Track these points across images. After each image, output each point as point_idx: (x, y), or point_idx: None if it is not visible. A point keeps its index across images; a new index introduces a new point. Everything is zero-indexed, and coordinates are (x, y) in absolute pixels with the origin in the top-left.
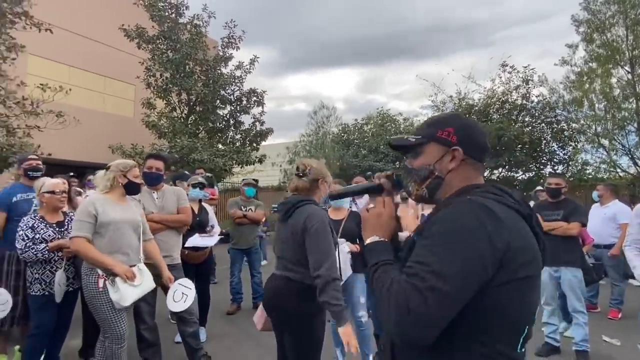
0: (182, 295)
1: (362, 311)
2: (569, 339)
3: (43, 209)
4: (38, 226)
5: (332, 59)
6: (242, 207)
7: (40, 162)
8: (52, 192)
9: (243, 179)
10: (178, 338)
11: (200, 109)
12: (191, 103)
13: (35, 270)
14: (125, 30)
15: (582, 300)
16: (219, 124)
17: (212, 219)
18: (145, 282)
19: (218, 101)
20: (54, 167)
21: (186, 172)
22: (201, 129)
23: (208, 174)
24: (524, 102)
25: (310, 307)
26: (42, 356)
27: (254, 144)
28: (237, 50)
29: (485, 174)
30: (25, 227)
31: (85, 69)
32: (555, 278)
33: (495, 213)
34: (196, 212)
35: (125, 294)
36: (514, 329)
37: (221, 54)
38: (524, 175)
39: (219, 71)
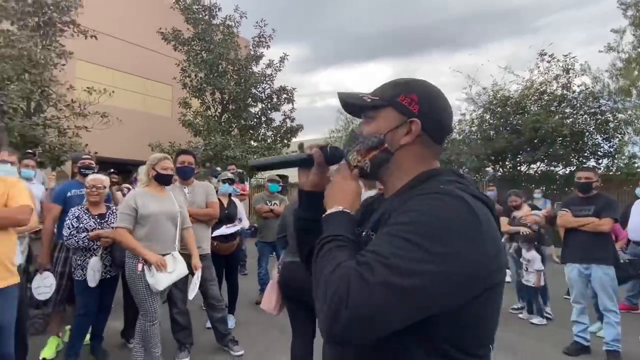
0: (195, 285)
1: None
2: (602, 339)
3: (88, 202)
4: (82, 217)
5: (365, 52)
6: (267, 202)
7: (92, 161)
8: (89, 187)
9: (268, 176)
10: (209, 324)
11: (233, 107)
12: (224, 102)
13: (78, 257)
14: (162, 34)
15: (614, 299)
16: (251, 121)
17: (241, 212)
18: (178, 269)
19: (250, 99)
20: (100, 165)
21: (218, 168)
22: (234, 126)
23: (239, 170)
24: (565, 92)
25: None
26: (88, 335)
27: (285, 141)
28: (267, 48)
29: (523, 168)
30: (72, 216)
31: (127, 71)
32: (585, 275)
33: (476, 211)
34: (225, 205)
35: (160, 279)
36: (486, 338)
37: (252, 53)
38: (564, 170)
39: (250, 70)
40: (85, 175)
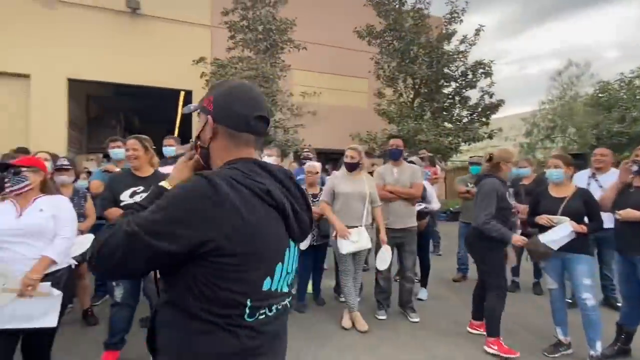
0: (384, 257)
1: (587, 293)
2: None
3: (306, 184)
4: None
5: None
6: (468, 183)
7: (309, 153)
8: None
9: (469, 158)
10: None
11: (425, 91)
12: (416, 86)
13: None
14: (357, 32)
15: None
16: (444, 103)
17: (431, 195)
18: (361, 241)
19: (442, 80)
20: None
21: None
22: (426, 110)
23: (429, 154)
24: None
25: (486, 244)
26: (311, 287)
27: (483, 119)
28: (460, 23)
29: None
30: None
31: (330, 72)
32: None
33: (217, 190)
34: None
35: (342, 245)
36: (231, 303)
37: (444, 31)
38: None
39: (442, 50)
40: (304, 163)
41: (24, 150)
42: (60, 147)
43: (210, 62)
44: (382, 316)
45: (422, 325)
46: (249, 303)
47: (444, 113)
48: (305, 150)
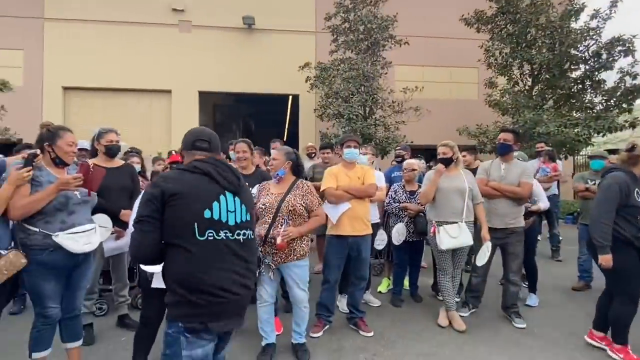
0: (484, 253)
1: None
2: None
3: (404, 181)
4: (398, 191)
5: None
6: (588, 180)
7: (401, 151)
8: (404, 170)
9: (591, 151)
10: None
11: (546, 77)
12: (535, 73)
13: (392, 221)
14: (465, 20)
15: None
16: (570, 89)
17: (538, 193)
18: (461, 237)
19: (568, 63)
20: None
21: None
22: (548, 98)
23: (548, 148)
24: None
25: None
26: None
27: (624, 105)
28: None
29: None
30: (392, 190)
31: (434, 65)
32: None
33: (166, 175)
34: None
35: (444, 240)
36: (185, 227)
37: (570, 8)
38: None
39: (567, 29)
40: (401, 162)
41: (137, 151)
42: None
43: (314, 66)
44: (465, 313)
45: (529, 333)
46: (196, 225)
47: (571, 101)
48: (398, 148)
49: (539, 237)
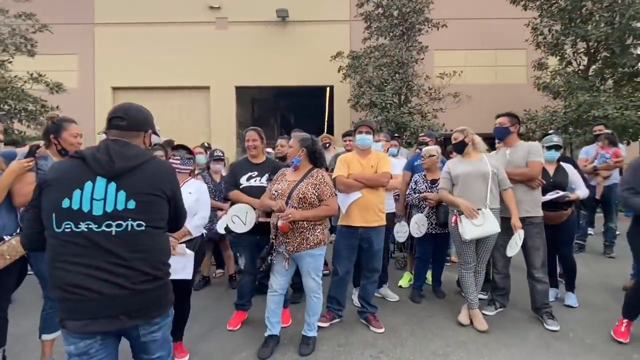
0: (514, 242)
1: None
2: None
3: (425, 169)
4: (419, 181)
5: None
6: None
7: (425, 137)
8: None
9: None
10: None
11: (605, 55)
12: (591, 50)
13: (413, 212)
14: None
15: None
16: (633, 67)
17: (575, 182)
18: (486, 225)
19: (630, 38)
20: (445, 140)
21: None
22: (607, 78)
23: (607, 131)
24: None
25: None
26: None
27: None
28: None
29: None
30: (413, 180)
31: (477, 48)
32: None
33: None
34: (551, 173)
35: (467, 229)
36: (47, 218)
37: None
38: None
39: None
40: (421, 149)
41: (164, 145)
42: (232, 144)
43: (346, 55)
44: (490, 312)
45: (562, 336)
46: (54, 216)
47: (635, 80)
48: (422, 135)
49: (591, 231)
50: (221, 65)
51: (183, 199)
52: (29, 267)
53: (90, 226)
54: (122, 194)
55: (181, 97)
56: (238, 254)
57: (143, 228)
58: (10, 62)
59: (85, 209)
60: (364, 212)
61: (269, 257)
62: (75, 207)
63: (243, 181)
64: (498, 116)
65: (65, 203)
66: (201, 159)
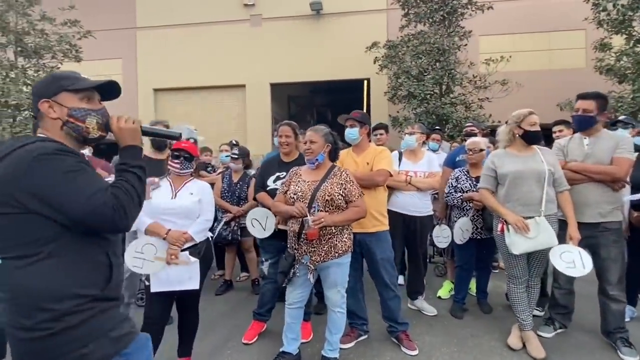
0: (573, 263)
1: None
2: None
3: (469, 164)
4: (461, 178)
5: None
6: None
7: (474, 128)
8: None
9: None
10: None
11: None
12: None
13: (455, 214)
14: None
15: None
16: None
17: None
18: (541, 237)
19: None
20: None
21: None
22: None
23: None
24: None
25: None
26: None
27: None
28: None
29: None
30: (452, 177)
31: (528, 31)
32: None
33: None
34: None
35: (516, 242)
36: None
37: None
38: None
39: None
40: (465, 139)
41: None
42: (267, 141)
43: (382, 45)
44: (548, 334)
45: None
46: None
47: None
48: (468, 125)
49: None
50: (256, 63)
51: (186, 201)
52: None
53: None
54: None
55: (218, 96)
56: (263, 259)
57: None
58: (59, 68)
59: None
60: None
61: (292, 270)
62: None
63: (270, 182)
64: (580, 97)
65: None
66: (223, 157)
